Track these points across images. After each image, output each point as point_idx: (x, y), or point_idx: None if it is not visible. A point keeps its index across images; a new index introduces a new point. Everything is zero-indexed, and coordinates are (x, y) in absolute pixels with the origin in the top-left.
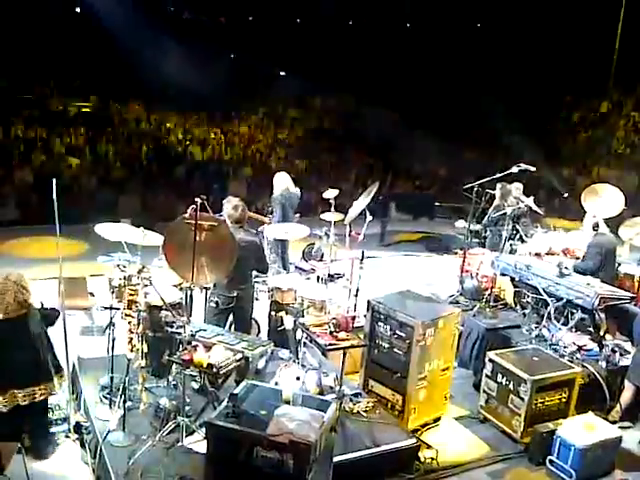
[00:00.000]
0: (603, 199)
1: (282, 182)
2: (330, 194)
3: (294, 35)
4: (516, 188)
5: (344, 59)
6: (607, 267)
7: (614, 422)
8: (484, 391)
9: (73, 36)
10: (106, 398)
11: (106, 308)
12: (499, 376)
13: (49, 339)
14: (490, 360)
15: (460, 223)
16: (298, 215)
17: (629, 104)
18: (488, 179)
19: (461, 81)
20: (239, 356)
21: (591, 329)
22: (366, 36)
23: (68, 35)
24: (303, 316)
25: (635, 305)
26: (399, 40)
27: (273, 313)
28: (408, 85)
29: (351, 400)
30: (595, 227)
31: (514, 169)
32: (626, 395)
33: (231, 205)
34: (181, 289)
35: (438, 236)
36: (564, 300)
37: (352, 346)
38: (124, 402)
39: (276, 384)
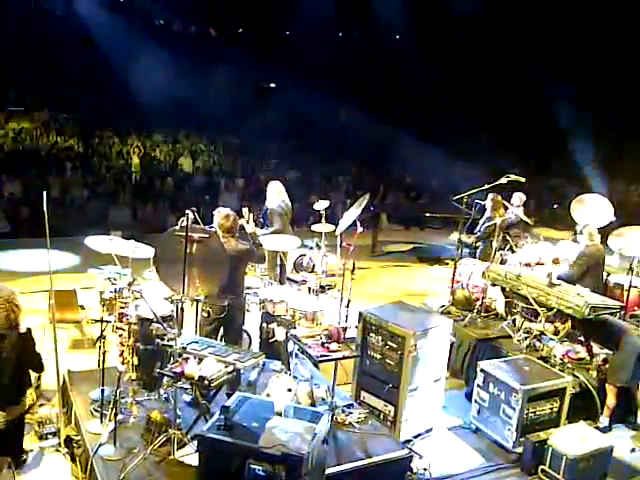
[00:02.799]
0: (592, 209)
1: (277, 192)
2: (321, 205)
3: (285, 47)
4: (519, 198)
5: (335, 70)
6: (595, 277)
7: (604, 428)
8: (476, 401)
9: (61, 48)
10: (97, 411)
11: (97, 321)
12: (491, 386)
13: (21, 368)
14: (482, 370)
15: (454, 236)
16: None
17: None
18: (477, 190)
19: (453, 91)
20: (230, 368)
21: (582, 339)
22: (357, 47)
23: (56, 47)
24: (294, 327)
25: (624, 314)
26: (391, 51)
27: (264, 325)
28: (403, 95)
29: (343, 411)
30: (578, 232)
31: (503, 180)
32: (610, 399)
33: (222, 215)
34: (172, 302)
35: (429, 247)
36: (554, 310)
37: (344, 357)
38: (115, 415)
39: (268, 396)
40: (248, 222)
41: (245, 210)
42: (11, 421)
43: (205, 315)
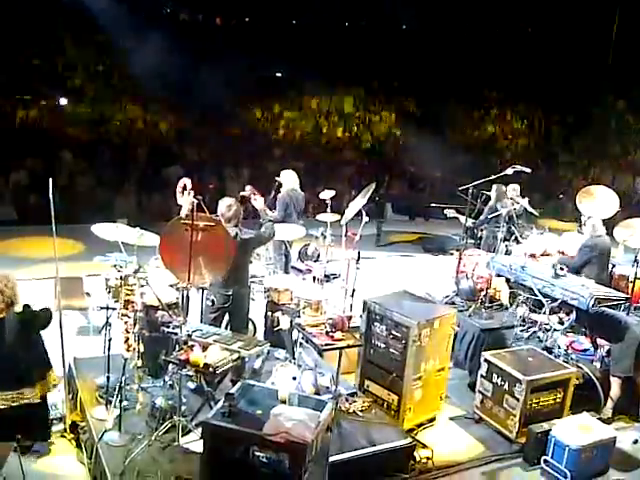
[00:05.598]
0: (598, 201)
1: (289, 180)
2: (326, 195)
3: (290, 36)
4: (513, 189)
5: (341, 60)
6: (601, 269)
7: (607, 419)
8: (479, 391)
9: (67, 35)
10: (102, 398)
11: (102, 308)
12: (494, 376)
13: (37, 342)
14: (485, 360)
15: (450, 212)
16: (301, 222)
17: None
18: (483, 180)
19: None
20: (235, 356)
21: (585, 330)
22: (362, 37)
23: (63, 34)
24: (299, 316)
25: (629, 306)
26: (395, 40)
27: (269, 313)
28: (405, 85)
29: (347, 400)
30: (583, 224)
31: (509, 171)
32: (614, 390)
33: (224, 204)
34: (177, 289)
35: (433, 237)
36: (559, 301)
37: (348, 346)
38: (120, 402)
39: (272, 384)
40: (256, 199)
41: (248, 188)
42: (42, 397)
43: (209, 304)
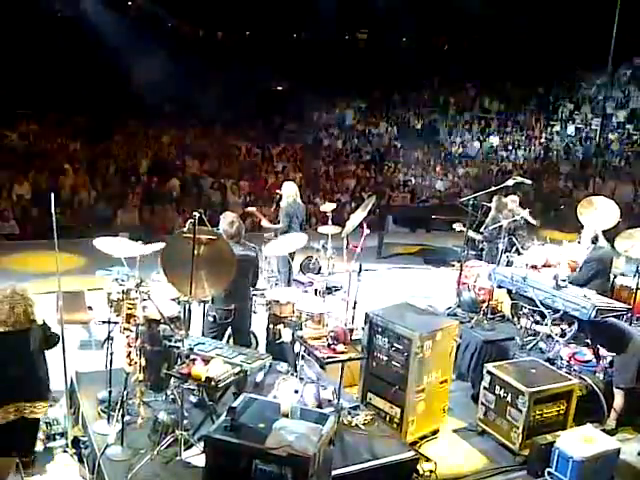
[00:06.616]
0: (599, 211)
1: (290, 192)
2: (328, 207)
3: (291, 50)
4: (512, 201)
5: (341, 74)
6: (602, 280)
7: (611, 431)
8: (482, 403)
9: (70, 50)
10: (104, 412)
11: (104, 322)
12: (497, 388)
13: (45, 358)
14: (488, 372)
15: (458, 226)
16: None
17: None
18: (484, 192)
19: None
20: (237, 369)
21: (588, 341)
22: (363, 50)
23: (65, 49)
24: (301, 329)
25: (631, 317)
26: (392, 54)
27: (271, 326)
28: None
29: (349, 413)
30: (594, 240)
31: (509, 182)
32: (618, 401)
33: (227, 221)
34: (179, 303)
35: (435, 249)
36: (561, 312)
37: (350, 359)
38: (122, 416)
39: (274, 397)
40: (260, 219)
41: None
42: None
43: (211, 319)
